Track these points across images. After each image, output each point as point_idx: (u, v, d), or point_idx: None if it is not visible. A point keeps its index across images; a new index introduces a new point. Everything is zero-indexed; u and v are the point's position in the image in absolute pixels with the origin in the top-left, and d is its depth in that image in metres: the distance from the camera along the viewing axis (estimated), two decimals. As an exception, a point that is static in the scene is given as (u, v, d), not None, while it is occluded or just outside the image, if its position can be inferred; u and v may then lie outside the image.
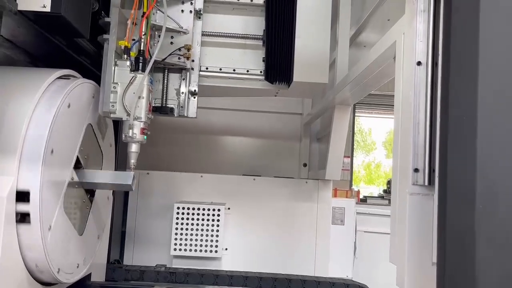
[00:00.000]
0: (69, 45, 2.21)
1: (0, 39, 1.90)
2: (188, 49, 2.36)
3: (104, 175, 2.22)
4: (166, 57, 2.31)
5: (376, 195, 9.08)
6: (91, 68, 2.44)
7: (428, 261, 1.44)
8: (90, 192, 2.26)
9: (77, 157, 2.04)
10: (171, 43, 2.38)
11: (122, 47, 2.05)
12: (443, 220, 1.24)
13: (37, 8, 1.79)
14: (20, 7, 1.75)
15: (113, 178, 2.22)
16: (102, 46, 2.21)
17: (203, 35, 2.51)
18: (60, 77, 1.97)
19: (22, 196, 1.68)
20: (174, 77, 2.45)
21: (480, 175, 1.13)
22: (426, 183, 1.44)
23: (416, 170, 1.46)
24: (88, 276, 2.45)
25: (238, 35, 2.63)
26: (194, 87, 2.45)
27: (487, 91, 1.12)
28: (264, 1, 2.54)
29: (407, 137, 1.52)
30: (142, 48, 2.10)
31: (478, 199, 1.13)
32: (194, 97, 2.45)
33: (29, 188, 1.68)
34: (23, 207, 1.68)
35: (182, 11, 2.41)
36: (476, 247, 1.13)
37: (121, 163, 2.77)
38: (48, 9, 1.80)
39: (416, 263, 1.47)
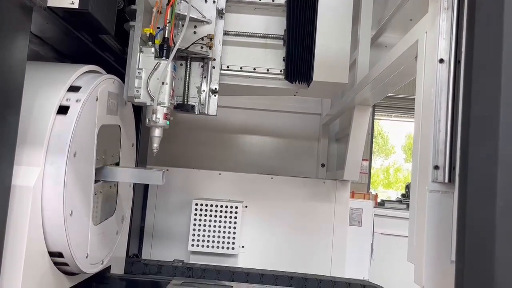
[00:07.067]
0: (94, 42, 2.27)
1: (29, 35, 1.96)
2: (211, 39, 2.40)
3: (134, 173, 2.26)
4: (189, 46, 2.36)
5: (394, 199, 8.99)
6: (114, 65, 2.50)
7: (446, 259, 1.43)
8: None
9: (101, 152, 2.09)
10: (194, 32, 2.43)
11: (147, 34, 2.10)
12: (462, 217, 1.23)
13: (66, 4, 1.85)
14: (49, 4, 1.81)
15: (143, 176, 2.26)
16: (126, 44, 2.26)
17: (225, 34, 2.54)
18: (85, 72, 2.02)
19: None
20: (195, 74, 2.49)
21: (501, 173, 1.13)
22: (446, 181, 1.43)
23: (436, 167, 1.45)
24: (108, 268, 2.51)
25: (259, 34, 2.65)
26: (215, 85, 2.49)
27: (510, 88, 1.11)
28: (285, 1, 2.56)
29: (428, 134, 1.51)
30: (166, 36, 2.16)
31: (499, 197, 1.13)
32: (215, 95, 2.49)
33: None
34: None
35: (206, 1, 2.45)
36: (496, 245, 1.12)
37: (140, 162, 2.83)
38: (76, 5, 1.85)
39: (434, 261, 1.46)
